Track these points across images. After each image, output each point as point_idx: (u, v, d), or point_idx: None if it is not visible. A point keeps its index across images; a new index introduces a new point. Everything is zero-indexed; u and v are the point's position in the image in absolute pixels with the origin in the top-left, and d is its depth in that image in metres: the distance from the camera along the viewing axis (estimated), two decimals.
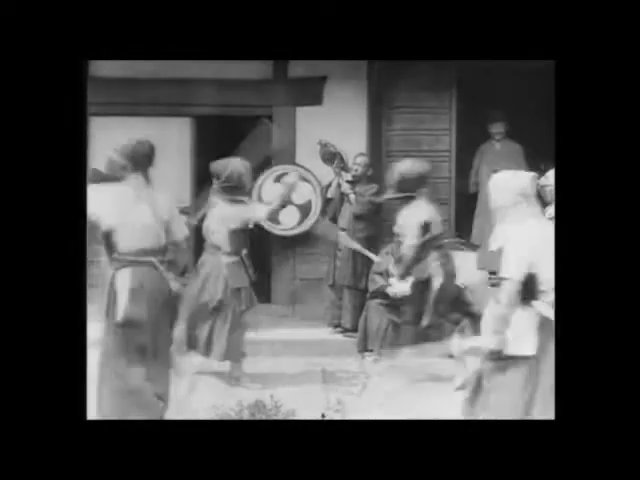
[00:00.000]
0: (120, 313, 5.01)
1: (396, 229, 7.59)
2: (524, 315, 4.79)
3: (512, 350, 4.80)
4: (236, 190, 7.23)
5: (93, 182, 5.15)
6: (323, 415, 5.72)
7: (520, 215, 4.89)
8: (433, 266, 7.43)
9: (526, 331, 4.78)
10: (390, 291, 7.67)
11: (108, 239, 5.12)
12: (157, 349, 5.14)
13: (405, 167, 7.56)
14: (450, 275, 7.46)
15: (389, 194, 7.67)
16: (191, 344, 7.21)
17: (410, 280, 7.74)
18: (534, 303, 4.79)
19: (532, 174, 5.11)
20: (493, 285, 9.31)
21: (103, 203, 5.06)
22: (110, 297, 5.11)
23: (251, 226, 7.76)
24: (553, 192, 6.86)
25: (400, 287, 7.58)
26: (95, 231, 5.05)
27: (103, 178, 5.33)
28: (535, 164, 7.96)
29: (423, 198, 7.55)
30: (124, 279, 5.10)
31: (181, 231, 6.72)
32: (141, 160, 5.21)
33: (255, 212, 7.52)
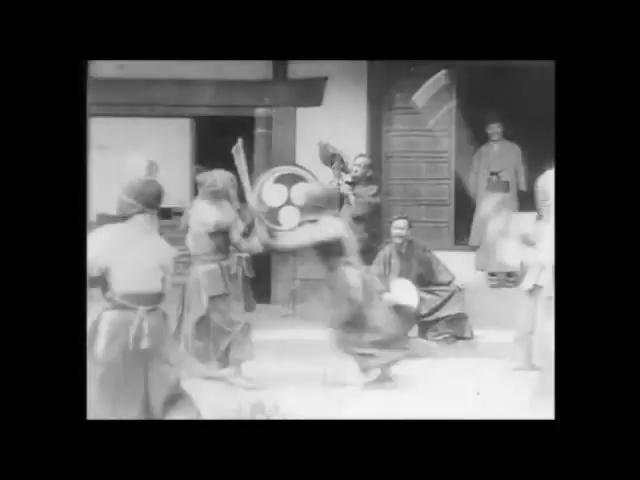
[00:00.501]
0: (99, 354, 4.76)
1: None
2: None
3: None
4: (221, 196, 7.16)
5: (99, 225, 5.07)
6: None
7: None
8: None
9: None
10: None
11: (103, 278, 4.87)
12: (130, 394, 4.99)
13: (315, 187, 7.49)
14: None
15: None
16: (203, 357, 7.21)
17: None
18: None
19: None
20: (492, 286, 9.36)
21: (102, 241, 4.88)
22: (92, 336, 4.81)
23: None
24: (546, 192, 6.88)
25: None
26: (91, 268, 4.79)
27: (110, 220, 5.13)
28: (533, 165, 7.97)
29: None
30: (105, 320, 4.85)
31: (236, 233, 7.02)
32: (148, 200, 5.02)
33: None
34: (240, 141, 7.16)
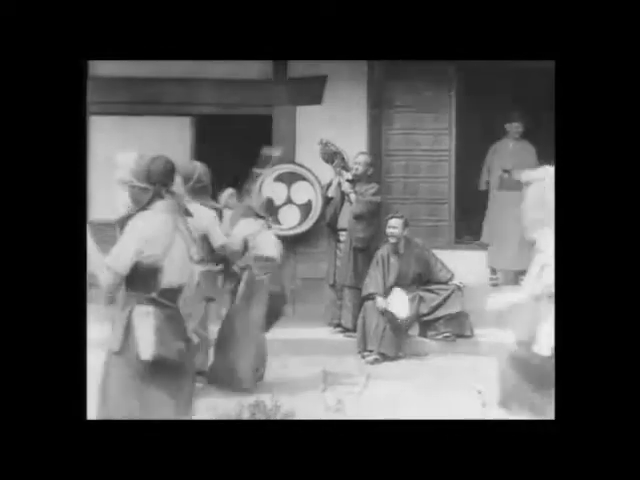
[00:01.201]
0: (148, 351, 4.49)
1: None
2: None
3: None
4: (205, 191, 6.95)
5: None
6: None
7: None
8: None
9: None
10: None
11: (150, 273, 4.50)
12: (181, 387, 4.84)
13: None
14: None
15: None
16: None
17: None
18: None
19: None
20: (494, 285, 9.35)
21: (142, 236, 4.46)
22: (127, 332, 4.56)
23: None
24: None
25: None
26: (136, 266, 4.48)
27: (131, 211, 4.67)
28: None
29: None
30: (145, 317, 4.55)
31: (219, 237, 6.79)
32: (160, 179, 4.60)
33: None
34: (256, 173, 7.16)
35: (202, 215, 6.59)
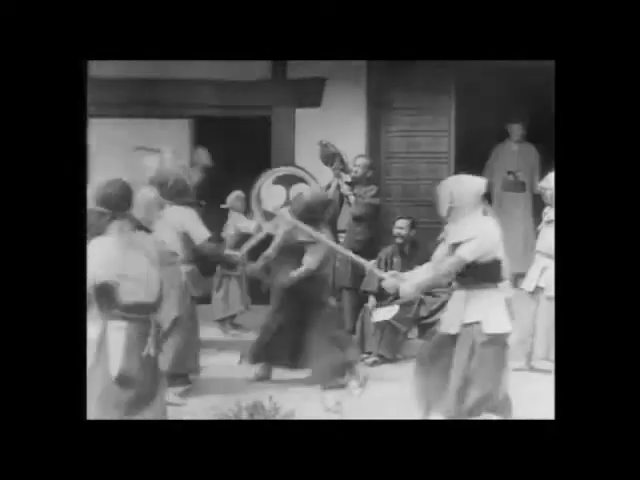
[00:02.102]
0: (114, 369, 4.65)
1: None
2: (494, 296, 5.49)
3: (490, 329, 5.42)
4: (184, 193, 6.99)
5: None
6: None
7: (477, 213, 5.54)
8: None
9: (498, 311, 5.46)
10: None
11: (106, 293, 4.65)
12: (146, 402, 4.90)
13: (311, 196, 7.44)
14: None
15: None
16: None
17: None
18: (500, 285, 5.52)
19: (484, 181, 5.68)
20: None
21: (94, 260, 4.58)
22: (101, 350, 4.71)
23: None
24: (552, 195, 6.91)
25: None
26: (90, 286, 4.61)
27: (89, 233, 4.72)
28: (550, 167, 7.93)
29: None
30: (117, 332, 4.70)
31: (201, 234, 6.84)
32: (116, 202, 4.73)
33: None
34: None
35: (179, 215, 6.84)
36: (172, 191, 6.90)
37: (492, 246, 5.51)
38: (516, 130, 9.99)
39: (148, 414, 4.71)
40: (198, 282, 7.15)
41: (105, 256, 4.65)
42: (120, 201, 4.75)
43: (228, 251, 7.81)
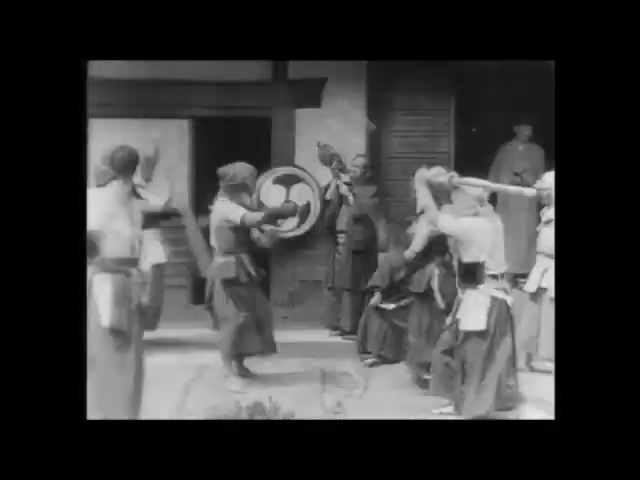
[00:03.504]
0: (106, 320, 5.00)
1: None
2: (474, 295, 6.01)
3: (465, 326, 6.04)
4: (240, 189, 7.24)
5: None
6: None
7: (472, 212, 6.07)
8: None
9: (476, 309, 5.97)
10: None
11: (92, 242, 5.06)
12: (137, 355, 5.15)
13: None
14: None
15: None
16: None
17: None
18: (480, 287, 5.99)
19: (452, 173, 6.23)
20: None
21: (89, 207, 4.93)
22: (89, 302, 5.02)
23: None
24: (551, 195, 6.91)
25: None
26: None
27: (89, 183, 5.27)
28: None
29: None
30: (103, 284, 5.09)
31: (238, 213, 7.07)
32: (121, 166, 5.25)
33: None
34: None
35: (219, 208, 7.20)
36: (229, 184, 7.20)
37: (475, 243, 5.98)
38: (523, 131, 9.98)
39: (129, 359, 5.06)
40: (230, 270, 7.20)
41: (97, 207, 5.06)
42: (124, 165, 5.26)
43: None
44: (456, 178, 6.21)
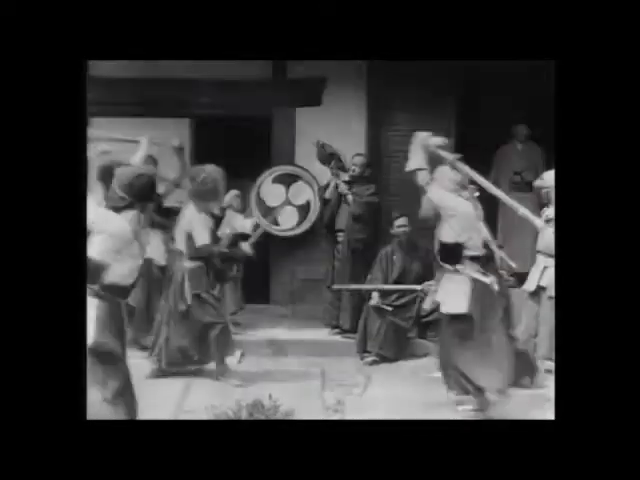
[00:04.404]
0: (90, 340, 4.83)
1: None
2: (453, 278, 6.10)
3: (446, 309, 6.12)
4: (209, 195, 7.23)
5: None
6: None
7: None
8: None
9: (456, 292, 6.05)
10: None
11: (95, 269, 4.90)
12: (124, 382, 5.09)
13: None
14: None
15: None
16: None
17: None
18: (459, 267, 6.08)
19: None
20: (508, 287, 9.34)
21: (101, 230, 4.92)
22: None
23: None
24: (550, 194, 6.92)
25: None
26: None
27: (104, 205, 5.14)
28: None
29: None
30: (90, 308, 4.88)
31: (201, 238, 7.11)
32: (138, 194, 5.01)
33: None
34: None
35: (190, 216, 7.23)
36: (199, 188, 7.18)
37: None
38: (521, 130, 9.98)
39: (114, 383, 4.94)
40: (200, 279, 7.25)
41: (108, 236, 4.92)
42: (141, 193, 5.02)
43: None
44: (460, 162, 6.26)
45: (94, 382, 4.82)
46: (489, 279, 6.17)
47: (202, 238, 7.21)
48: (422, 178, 6.25)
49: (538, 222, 6.51)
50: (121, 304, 5.08)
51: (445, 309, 6.18)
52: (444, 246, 6.18)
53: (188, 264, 7.26)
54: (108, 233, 4.93)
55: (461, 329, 6.09)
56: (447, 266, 6.19)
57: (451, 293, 6.14)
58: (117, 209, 4.99)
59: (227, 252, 7.67)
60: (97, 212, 4.97)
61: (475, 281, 6.10)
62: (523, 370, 6.92)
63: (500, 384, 6.11)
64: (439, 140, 6.37)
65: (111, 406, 4.89)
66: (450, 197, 6.19)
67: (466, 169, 6.27)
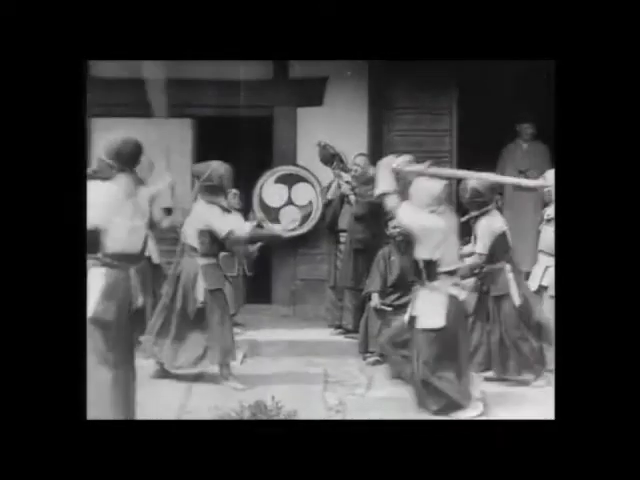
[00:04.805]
0: (90, 310, 4.89)
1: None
2: (430, 293, 6.14)
3: (423, 324, 6.12)
4: (217, 190, 7.21)
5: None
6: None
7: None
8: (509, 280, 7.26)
9: (433, 307, 6.10)
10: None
11: (94, 238, 4.97)
12: (120, 356, 5.09)
13: (478, 182, 7.24)
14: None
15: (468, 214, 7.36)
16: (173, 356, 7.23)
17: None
18: (435, 284, 6.13)
19: (444, 182, 6.36)
20: None
21: (92, 201, 4.86)
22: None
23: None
24: (552, 193, 6.91)
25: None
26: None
27: (91, 177, 5.11)
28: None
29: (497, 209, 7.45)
30: (97, 277, 5.00)
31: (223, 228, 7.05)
32: (126, 159, 5.13)
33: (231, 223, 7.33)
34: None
35: (202, 211, 7.15)
36: (205, 184, 7.19)
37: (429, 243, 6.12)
38: (526, 129, 9.97)
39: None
40: (213, 276, 7.21)
41: (102, 200, 4.99)
42: (129, 158, 5.16)
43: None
44: (432, 167, 6.29)
45: (93, 350, 4.84)
46: (463, 294, 6.28)
47: (225, 226, 7.11)
48: (390, 202, 6.26)
49: (537, 182, 6.50)
50: (130, 273, 5.10)
51: (421, 325, 6.19)
52: (418, 264, 6.25)
53: (201, 261, 7.18)
54: (100, 202, 4.96)
55: (437, 344, 6.13)
56: (423, 282, 6.25)
57: (427, 309, 6.17)
58: (107, 179, 5.09)
59: (257, 234, 7.64)
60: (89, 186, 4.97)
61: (450, 297, 6.15)
62: (528, 364, 6.94)
63: (468, 394, 6.19)
64: (404, 159, 6.41)
65: (109, 371, 4.93)
66: (420, 216, 6.19)
67: (444, 171, 6.29)
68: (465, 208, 7.33)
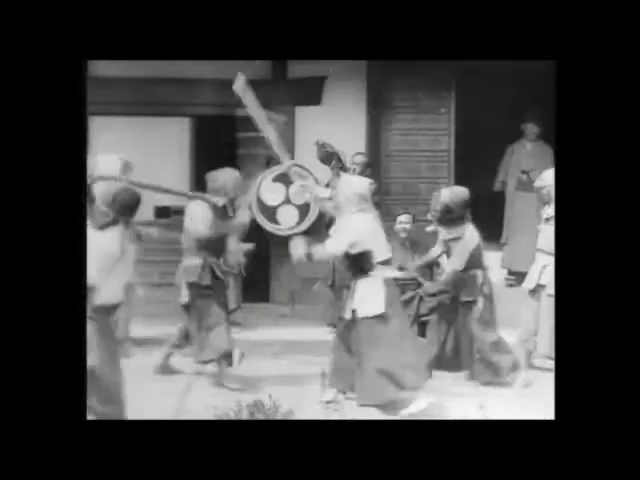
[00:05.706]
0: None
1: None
2: (367, 283, 6.21)
3: (364, 312, 6.19)
4: (216, 193, 7.13)
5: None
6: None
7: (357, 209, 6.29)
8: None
9: (372, 295, 6.18)
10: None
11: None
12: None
13: (449, 197, 7.22)
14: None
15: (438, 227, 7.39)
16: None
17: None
18: (371, 273, 6.20)
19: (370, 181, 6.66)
20: (510, 285, 9.35)
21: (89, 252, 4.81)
22: None
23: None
24: (550, 193, 6.93)
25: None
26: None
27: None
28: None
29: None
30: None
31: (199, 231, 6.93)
32: (123, 209, 5.06)
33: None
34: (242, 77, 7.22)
35: (188, 211, 7.12)
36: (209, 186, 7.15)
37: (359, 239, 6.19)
38: (530, 129, 9.97)
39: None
40: (195, 273, 7.17)
41: (96, 256, 4.84)
42: (125, 210, 5.06)
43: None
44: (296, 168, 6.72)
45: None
46: (397, 273, 6.56)
47: (199, 228, 7.05)
48: (323, 254, 6.47)
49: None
50: (110, 322, 5.09)
51: (362, 313, 6.26)
52: (354, 257, 6.31)
53: (185, 259, 7.16)
54: (96, 253, 4.87)
55: (378, 330, 6.20)
56: (359, 274, 6.32)
57: (366, 297, 6.25)
58: (102, 227, 5.01)
59: (221, 231, 7.59)
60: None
61: (386, 281, 6.25)
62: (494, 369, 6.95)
63: (414, 382, 6.21)
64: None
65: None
66: (350, 232, 6.29)
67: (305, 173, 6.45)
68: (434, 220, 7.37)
